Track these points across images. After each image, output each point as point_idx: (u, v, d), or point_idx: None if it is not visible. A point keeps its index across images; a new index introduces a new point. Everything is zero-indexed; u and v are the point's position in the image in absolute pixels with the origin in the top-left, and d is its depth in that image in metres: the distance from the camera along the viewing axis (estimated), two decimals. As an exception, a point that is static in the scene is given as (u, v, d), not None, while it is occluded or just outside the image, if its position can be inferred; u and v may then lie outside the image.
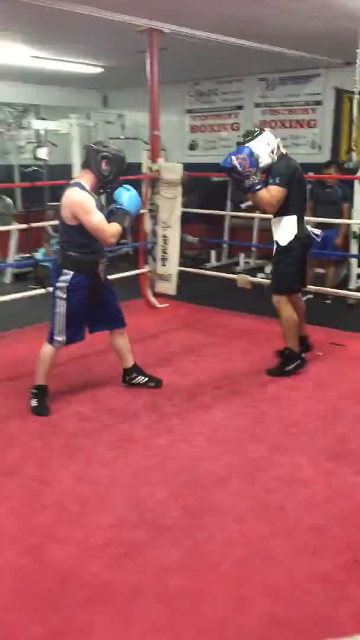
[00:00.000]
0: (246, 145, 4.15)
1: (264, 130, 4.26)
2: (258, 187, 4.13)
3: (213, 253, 8.63)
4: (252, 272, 7.51)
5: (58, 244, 3.98)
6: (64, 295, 3.78)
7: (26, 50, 6.86)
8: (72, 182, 3.81)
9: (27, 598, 2.32)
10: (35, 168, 8.60)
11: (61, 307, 3.80)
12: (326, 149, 8.42)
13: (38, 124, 8.30)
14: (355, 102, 6.16)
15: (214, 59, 7.43)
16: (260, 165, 4.16)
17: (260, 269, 7.81)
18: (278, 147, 4.23)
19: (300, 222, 4.30)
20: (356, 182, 6.67)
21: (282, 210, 4.23)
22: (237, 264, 8.31)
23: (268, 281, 6.81)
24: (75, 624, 2.19)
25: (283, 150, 4.29)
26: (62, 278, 3.78)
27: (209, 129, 9.68)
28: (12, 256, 7.92)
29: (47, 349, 3.90)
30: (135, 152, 8.88)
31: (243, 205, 7.93)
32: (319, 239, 4.54)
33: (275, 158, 4.20)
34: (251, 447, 3.45)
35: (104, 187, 3.83)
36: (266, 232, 7.99)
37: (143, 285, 6.47)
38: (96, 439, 3.56)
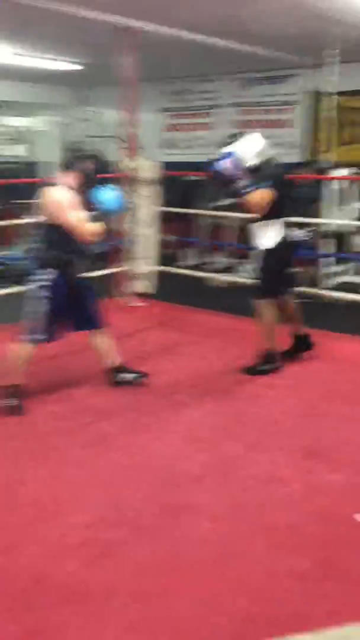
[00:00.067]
0: (232, 149, 4.16)
1: (250, 133, 4.27)
2: (247, 190, 4.14)
3: (189, 252, 8.63)
4: (228, 270, 7.55)
5: (36, 242, 3.96)
6: (42, 294, 3.77)
7: (6, 48, 6.79)
8: (51, 181, 3.79)
9: (1, 598, 2.30)
10: (11, 165, 8.53)
11: (38, 306, 3.78)
12: (301, 149, 8.49)
13: (13, 121, 8.24)
14: (330, 102, 6.24)
15: (190, 58, 7.44)
16: (247, 166, 4.17)
17: (236, 268, 7.84)
18: (264, 150, 4.25)
19: (285, 225, 4.33)
20: (328, 182, 6.73)
21: (268, 213, 4.25)
22: (213, 262, 8.32)
23: (243, 280, 6.88)
24: (50, 624, 2.18)
25: (269, 153, 4.31)
26: (40, 277, 3.77)
27: (185, 128, 9.69)
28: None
29: (22, 347, 3.88)
30: (112, 150, 8.89)
31: (212, 205, 8.01)
32: (307, 239, 4.58)
33: (262, 160, 4.21)
34: (228, 446, 3.46)
35: (86, 186, 3.82)
36: (242, 231, 8.07)
37: (119, 284, 6.46)
38: (72, 438, 3.54)
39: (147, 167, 6.27)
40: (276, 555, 2.54)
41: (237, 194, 4.21)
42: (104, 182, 3.89)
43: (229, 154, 4.13)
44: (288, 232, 4.36)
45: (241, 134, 4.25)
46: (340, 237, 7.03)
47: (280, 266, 4.39)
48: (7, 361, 3.93)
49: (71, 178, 3.74)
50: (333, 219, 6.87)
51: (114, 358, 4.20)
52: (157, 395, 4.14)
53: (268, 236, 4.33)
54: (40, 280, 3.77)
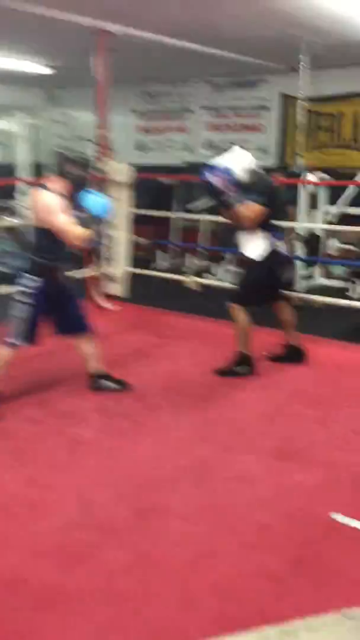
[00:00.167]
0: (221, 162, 4.22)
1: (235, 147, 4.34)
2: (235, 203, 4.20)
3: (163, 255, 8.65)
4: (201, 273, 7.58)
5: (23, 245, 3.97)
6: (26, 300, 3.78)
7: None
8: (40, 184, 3.79)
9: (-27, 604, 2.28)
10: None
11: (21, 312, 3.79)
12: (273, 154, 8.57)
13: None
14: (300, 107, 6.32)
15: (163, 61, 7.47)
16: (237, 180, 4.21)
17: (209, 271, 7.88)
18: (253, 165, 4.31)
19: (271, 237, 4.39)
20: (301, 186, 6.82)
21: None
22: (187, 265, 8.34)
23: (217, 283, 6.92)
24: (24, 628, 2.17)
25: (257, 169, 4.37)
26: (24, 282, 3.79)
27: (157, 131, 9.70)
28: None
29: (2, 351, 3.86)
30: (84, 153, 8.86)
31: (188, 207, 8.05)
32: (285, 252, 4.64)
33: (250, 176, 4.27)
34: (201, 448, 3.48)
35: (74, 190, 3.83)
36: (215, 234, 8.12)
37: (91, 287, 6.44)
38: (45, 443, 3.53)
39: (119, 169, 6.27)
40: (248, 555, 2.57)
41: (228, 206, 4.26)
42: (90, 187, 3.91)
43: (221, 168, 4.17)
44: (276, 244, 4.41)
45: (227, 149, 4.31)
46: (311, 241, 7.11)
47: (264, 277, 4.44)
48: None
49: (60, 182, 3.75)
50: (304, 223, 6.95)
51: (97, 364, 4.20)
52: (131, 398, 4.14)
53: (255, 247, 4.39)
54: (24, 286, 3.79)
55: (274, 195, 4.41)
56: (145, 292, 6.70)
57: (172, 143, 9.57)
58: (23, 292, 3.80)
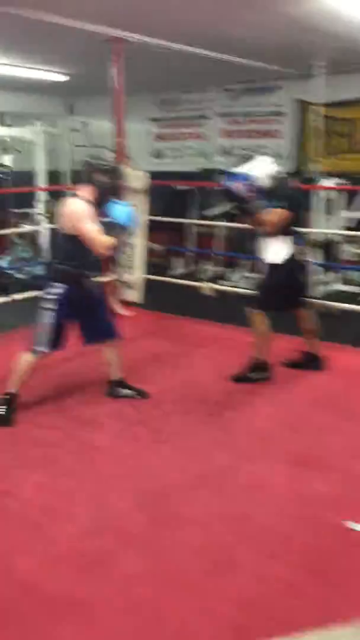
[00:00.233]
0: (245, 170, 4.23)
1: (259, 155, 4.37)
2: (260, 209, 4.22)
3: (178, 261, 8.66)
4: (217, 279, 7.57)
5: (52, 257, 4.00)
6: (51, 307, 3.81)
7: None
8: (71, 193, 3.83)
9: (-10, 611, 2.30)
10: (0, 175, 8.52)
11: (47, 318, 3.82)
12: (289, 160, 8.56)
13: (2, 131, 8.24)
14: (316, 113, 6.31)
15: (179, 69, 7.49)
16: (261, 187, 4.22)
17: (225, 277, 7.88)
18: (276, 171, 4.33)
19: (293, 242, 4.39)
20: (316, 192, 6.79)
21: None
22: (202, 271, 8.35)
23: (232, 289, 6.92)
24: (40, 635, 2.18)
25: (281, 174, 4.40)
26: (51, 290, 3.82)
27: (173, 138, 9.74)
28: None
29: (27, 358, 3.88)
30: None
31: (204, 214, 8.06)
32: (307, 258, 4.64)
33: (274, 182, 4.28)
34: (216, 455, 3.47)
35: (104, 199, 3.86)
36: (231, 240, 8.12)
37: (108, 293, 6.46)
38: (61, 449, 3.54)
39: (136, 176, 6.29)
40: (266, 564, 2.56)
41: (251, 212, 4.27)
42: (118, 196, 3.93)
43: (244, 175, 4.19)
44: (296, 250, 4.41)
45: (250, 156, 4.33)
46: (328, 246, 7.09)
47: (284, 282, 4.43)
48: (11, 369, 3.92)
49: (89, 190, 3.78)
50: (321, 228, 6.93)
51: (118, 371, 4.22)
52: (147, 405, 4.14)
53: (276, 252, 4.39)
54: (51, 294, 3.82)
55: (296, 200, 4.42)
56: (160, 298, 6.70)
57: (188, 150, 9.59)
58: (47, 299, 3.83)
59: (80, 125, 9.68)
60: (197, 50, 6.21)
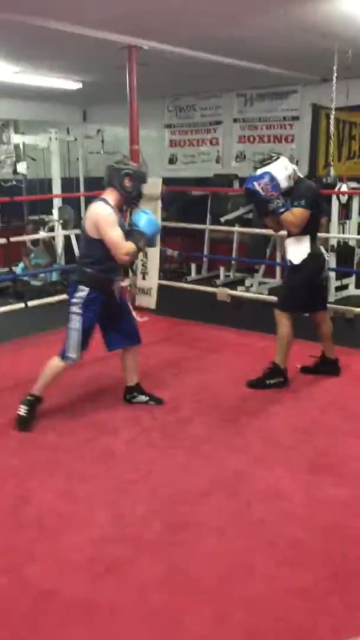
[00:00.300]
0: (266, 170, 4.22)
1: (280, 156, 4.34)
2: (282, 210, 4.20)
3: (193, 266, 8.66)
4: (232, 285, 7.56)
5: (77, 260, 4.00)
6: (80, 311, 3.80)
7: (7, 67, 6.87)
8: (98, 198, 3.82)
9: (6, 618, 2.29)
10: (14, 183, 8.60)
11: (76, 323, 3.80)
12: (304, 164, 8.53)
13: (17, 139, 8.30)
14: (331, 117, 6.28)
15: (193, 75, 7.50)
16: (281, 187, 4.20)
17: (240, 283, 7.86)
18: (295, 172, 4.32)
19: (314, 241, 4.38)
20: (333, 197, 6.76)
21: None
22: (217, 277, 8.34)
23: (248, 295, 6.91)
24: (54, 643, 2.17)
25: (300, 174, 4.39)
26: (78, 294, 3.81)
27: (188, 144, 9.75)
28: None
29: (57, 363, 3.87)
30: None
31: (221, 219, 8.07)
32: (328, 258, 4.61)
33: (292, 182, 4.28)
34: (231, 461, 3.45)
35: (128, 204, 3.87)
36: (245, 245, 8.11)
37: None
38: (76, 454, 3.54)
39: (151, 183, 6.29)
40: (282, 571, 2.53)
41: (273, 213, 4.26)
42: (141, 200, 3.95)
43: (264, 175, 4.18)
44: (316, 249, 4.39)
45: (272, 157, 4.31)
46: (345, 251, 7.05)
47: (306, 283, 4.41)
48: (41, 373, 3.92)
49: (114, 195, 3.79)
50: (336, 233, 6.90)
51: (135, 377, 4.22)
52: (162, 410, 4.13)
53: (294, 252, 4.38)
54: (78, 298, 3.80)
55: (318, 200, 4.40)
56: (175, 304, 6.70)
57: (203, 155, 9.60)
58: (74, 303, 3.82)
59: (94, 133, 9.71)
60: (212, 57, 6.22)
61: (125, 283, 6.42)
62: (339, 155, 7.98)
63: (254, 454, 3.54)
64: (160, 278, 6.64)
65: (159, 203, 6.29)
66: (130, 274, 6.49)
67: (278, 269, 7.82)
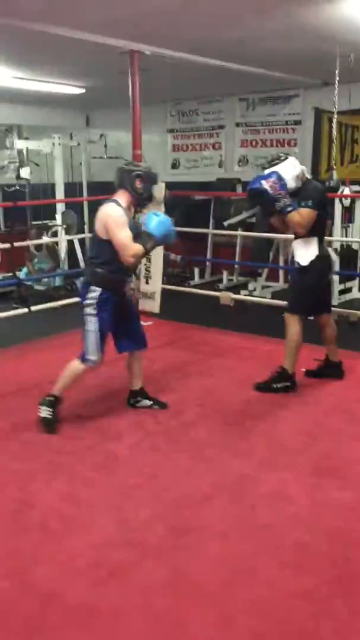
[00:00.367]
0: (274, 170, 4.22)
1: (289, 156, 4.34)
2: (289, 209, 4.21)
3: (196, 271, 8.67)
4: (235, 289, 7.56)
5: (88, 261, 3.99)
6: (94, 312, 3.79)
7: (7, 72, 6.89)
8: (109, 199, 3.83)
9: (9, 622, 2.29)
10: (18, 188, 8.63)
11: (92, 324, 3.80)
12: (307, 168, 8.54)
13: (20, 144, 8.33)
14: (334, 121, 6.29)
15: (195, 80, 7.52)
16: (288, 188, 4.20)
17: (243, 286, 7.86)
18: (303, 173, 4.32)
19: (321, 243, 4.38)
20: (336, 200, 6.77)
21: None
22: (220, 281, 8.35)
23: (251, 298, 6.91)
24: (58, 647, 2.17)
25: (308, 175, 4.39)
26: (90, 295, 3.80)
27: (190, 148, 9.77)
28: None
29: (77, 365, 3.87)
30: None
31: (225, 223, 8.07)
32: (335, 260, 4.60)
33: (300, 183, 4.27)
34: (235, 464, 3.45)
35: (139, 205, 3.89)
36: (248, 249, 8.11)
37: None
38: (80, 458, 3.54)
39: (155, 187, 6.30)
40: (286, 574, 2.53)
41: (280, 212, 4.26)
42: (150, 202, 3.95)
43: (272, 174, 4.18)
44: (324, 251, 4.39)
45: (280, 157, 4.31)
46: (348, 255, 7.05)
47: (314, 285, 4.41)
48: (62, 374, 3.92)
49: (123, 196, 3.80)
50: (339, 237, 6.90)
51: (140, 382, 4.22)
52: (166, 414, 4.13)
53: (301, 253, 4.38)
54: (91, 298, 3.80)
55: (325, 201, 4.40)
56: (179, 308, 6.70)
57: (206, 160, 9.61)
58: (87, 304, 3.81)
59: (97, 137, 9.74)
60: (214, 61, 6.23)
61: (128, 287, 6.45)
62: (342, 158, 7.99)
63: (257, 457, 3.54)
64: (163, 282, 6.64)
65: (162, 207, 6.29)
66: (134, 278, 6.49)
67: (281, 273, 7.83)
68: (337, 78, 5.98)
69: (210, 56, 6.10)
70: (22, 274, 7.87)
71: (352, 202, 7.07)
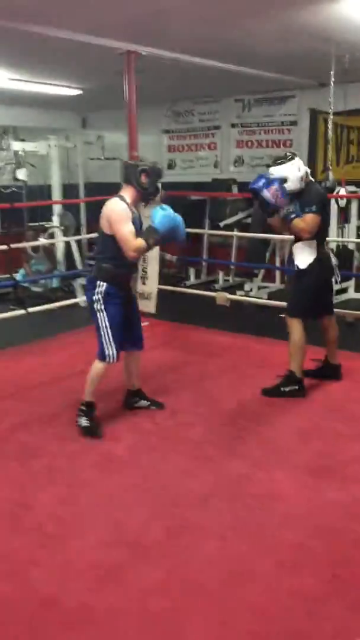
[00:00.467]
0: (277, 173, 4.22)
1: (295, 156, 4.33)
2: (292, 216, 4.22)
3: (192, 271, 8.68)
4: (231, 290, 7.57)
5: (94, 256, 3.98)
6: (101, 307, 3.78)
7: (4, 73, 6.90)
8: (115, 195, 3.83)
9: (7, 625, 2.29)
10: (14, 189, 8.62)
11: (102, 320, 3.79)
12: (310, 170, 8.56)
13: (17, 146, 8.33)
14: (329, 122, 6.30)
15: (191, 80, 7.52)
16: (289, 189, 4.22)
17: (240, 287, 7.87)
18: (307, 174, 4.32)
19: (321, 245, 4.38)
20: (332, 201, 6.78)
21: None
22: (216, 281, 8.36)
23: (247, 299, 6.92)
24: (56, 648, 2.17)
25: (311, 178, 4.39)
26: (97, 290, 3.79)
27: (186, 149, 9.78)
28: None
29: (97, 365, 3.87)
30: (115, 173, 8.96)
31: (221, 224, 8.08)
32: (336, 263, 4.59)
33: (303, 184, 4.28)
34: (231, 464, 3.46)
35: (145, 200, 3.88)
36: (244, 249, 8.12)
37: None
38: (77, 459, 3.54)
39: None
40: (282, 574, 2.53)
41: (284, 219, 4.28)
42: (157, 196, 3.93)
43: (273, 182, 4.18)
44: (323, 253, 4.40)
45: (287, 157, 4.30)
46: (344, 255, 7.06)
47: (313, 287, 4.41)
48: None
49: (128, 191, 3.80)
50: (335, 237, 6.91)
51: (136, 382, 4.22)
52: (162, 415, 4.14)
53: (300, 257, 4.39)
54: (97, 293, 3.78)
55: (327, 204, 4.40)
56: (174, 308, 6.71)
57: (202, 160, 9.63)
58: (98, 300, 3.79)
59: (94, 139, 9.75)
60: (210, 63, 6.24)
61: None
62: (337, 159, 8.00)
63: (254, 457, 3.55)
64: (159, 283, 6.65)
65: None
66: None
67: (278, 274, 7.84)
68: (333, 79, 6.00)
69: (206, 57, 6.11)
70: (19, 275, 7.87)
71: (348, 202, 7.10)
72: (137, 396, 4.23)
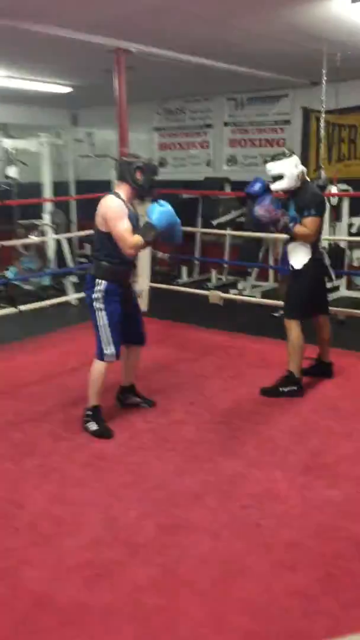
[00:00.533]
0: (273, 169, 4.23)
1: (293, 154, 4.33)
2: (291, 224, 4.24)
3: (184, 269, 8.67)
4: (224, 288, 7.57)
5: (91, 254, 3.95)
6: (102, 306, 3.75)
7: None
8: (110, 192, 3.81)
9: (0, 623, 2.27)
10: (5, 187, 8.57)
11: (102, 319, 3.77)
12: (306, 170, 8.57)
13: (7, 143, 8.28)
14: (321, 120, 6.31)
15: (183, 78, 7.51)
16: (284, 187, 4.23)
17: (233, 286, 7.87)
18: (303, 173, 4.31)
19: (316, 246, 4.38)
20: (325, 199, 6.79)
21: None
22: (209, 280, 8.35)
23: (241, 298, 6.91)
24: (49, 647, 2.16)
25: (307, 177, 4.38)
26: (96, 288, 3.76)
27: (177, 147, 9.76)
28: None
29: (97, 366, 3.84)
30: (105, 170, 8.94)
31: (215, 222, 8.07)
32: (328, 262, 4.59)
33: (299, 183, 4.27)
34: (225, 463, 3.45)
35: (141, 197, 3.85)
36: (237, 248, 8.12)
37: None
38: (69, 458, 3.53)
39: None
40: (275, 572, 2.53)
41: (284, 231, 4.29)
42: (156, 193, 3.89)
43: (265, 198, 4.19)
44: (317, 254, 4.40)
45: (285, 154, 4.30)
46: (335, 253, 7.07)
47: (309, 287, 4.41)
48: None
49: (127, 189, 3.77)
50: (327, 235, 6.92)
51: (131, 378, 4.20)
52: (155, 413, 4.13)
53: (295, 257, 4.38)
54: (97, 291, 3.75)
55: (323, 204, 4.41)
56: (167, 307, 6.70)
57: (194, 159, 9.62)
58: (98, 298, 3.76)
59: (84, 136, 9.71)
60: (202, 60, 6.23)
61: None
62: (329, 157, 8.02)
63: (247, 456, 3.54)
64: (151, 281, 6.64)
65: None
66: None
67: (271, 272, 7.84)
68: (325, 77, 6.01)
69: (198, 55, 6.10)
70: (10, 273, 7.83)
71: (340, 200, 7.10)
72: (129, 392, 4.21)
